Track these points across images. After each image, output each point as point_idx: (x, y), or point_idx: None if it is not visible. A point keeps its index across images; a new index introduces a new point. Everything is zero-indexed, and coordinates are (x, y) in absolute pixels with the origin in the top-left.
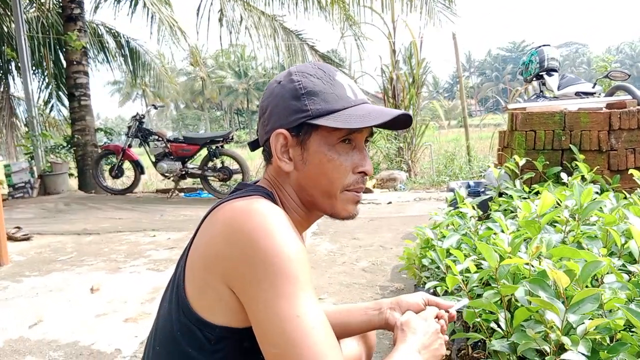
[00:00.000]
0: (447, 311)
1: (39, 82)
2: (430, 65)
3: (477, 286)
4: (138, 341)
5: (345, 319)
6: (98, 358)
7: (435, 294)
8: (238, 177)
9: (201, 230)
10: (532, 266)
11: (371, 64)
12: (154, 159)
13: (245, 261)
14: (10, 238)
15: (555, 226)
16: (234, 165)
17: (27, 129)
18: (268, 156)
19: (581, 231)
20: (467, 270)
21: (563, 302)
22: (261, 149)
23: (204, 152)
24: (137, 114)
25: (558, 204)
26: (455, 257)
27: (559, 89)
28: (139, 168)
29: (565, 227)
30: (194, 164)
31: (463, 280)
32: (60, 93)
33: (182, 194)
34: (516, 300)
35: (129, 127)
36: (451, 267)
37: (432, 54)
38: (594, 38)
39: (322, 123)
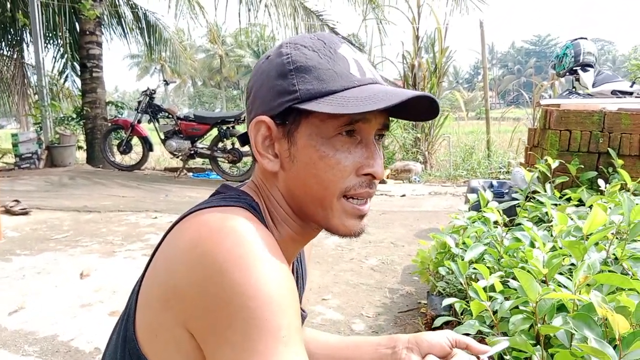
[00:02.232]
0: (477, 357)
1: (54, 51)
2: (454, 55)
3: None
4: None
5: (351, 356)
6: (75, 357)
7: (450, 308)
8: (248, 159)
9: (163, 247)
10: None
11: (392, 49)
12: (163, 137)
13: (210, 300)
14: (8, 211)
15: (597, 243)
16: (245, 148)
17: (37, 98)
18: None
19: (626, 252)
20: (492, 288)
21: (614, 344)
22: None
23: (214, 132)
24: (148, 88)
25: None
26: (477, 270)
27: (594, 85)
28: (147, 144)
29: (609, 246)
30: (203, 144)
31: (489, 298)
32: (75, 63)
33: (191, 173)
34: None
35: (139, 102)
36: (473, 285)
37: (454, 42)
38: (621, 36)
39: (311, 107)
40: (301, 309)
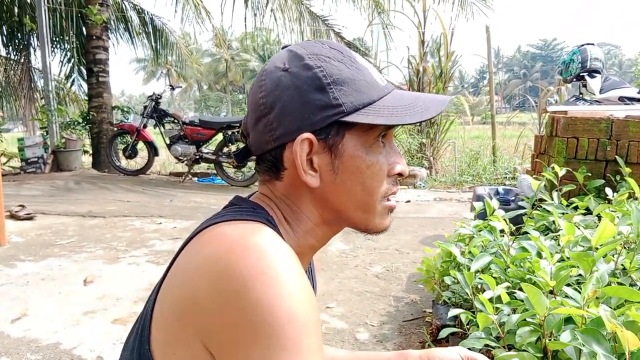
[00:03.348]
0: None
1: (61, 55)
2: (460, 59)
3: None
4: None
5: None
6: None
7: (456, 318)
8: (253, 164)
9: (179, 261)
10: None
11: (398, 54)
12: (168, 142)
13: (232, 315)
14: (13, 216)
15: (605, 255)
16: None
17: (43, 103)
18: (273, 169)
19: (634, 263)
20: (498, 299)
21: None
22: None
23: (220, 137)
24: (154, 93)
25: (599, 217)
26: (483, 279)
27: (601, 92)
28: (152, 149)
29: (617, 257)
30: (208, 149)
31: (495, 309)
32: (82, 68)
33: (196, 178)
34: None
35: (145, 107)
36: (479, 297)
37: (460, 46)
38: (627, 39)
39: (362, 120)
40: None
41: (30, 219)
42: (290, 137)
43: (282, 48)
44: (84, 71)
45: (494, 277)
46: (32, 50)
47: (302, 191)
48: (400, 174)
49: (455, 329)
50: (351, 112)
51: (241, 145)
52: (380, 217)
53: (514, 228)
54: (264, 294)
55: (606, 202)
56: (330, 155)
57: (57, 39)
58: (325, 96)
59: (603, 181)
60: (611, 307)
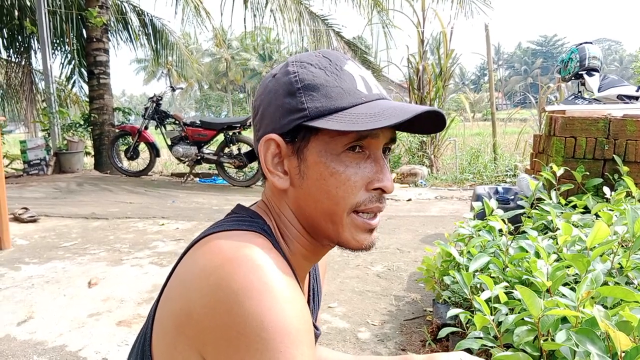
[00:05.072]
0: None
1: (62, 57)
2: (459, 57)
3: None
4: (128, 350)
5: None
6: None
7: (455, 317)
8: (254, 164)
9: (177, 272)
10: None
11: (399, 53)
12: (169, 143)
13: (224, 329)
14: (17, 219)
15: (602, 254)
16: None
17: (45, 105)
18: (262, 170)
19: (630, 263)
20: (496, 298)
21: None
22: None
23: (221, 137)
24: (155, 95)
25: (597, 216)
26: (481, 279)
27: (599, 90)
28: (154, 150)
29: (613, 257)
30: (210, 149)
31: (492, 311)
32: (83, 70)
33: (197, 179)
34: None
35: (146, 109)
36: (477, 299)
37: (460, 44)
38: (628, 35)
39: (320, 125)
40: (314, 326)
41: (34, 221)
42: (263, 138)
43: None
44: (85, 73)
45: (492, 277)
46: (32, 52)
47: (280, 195)
48: (382, 191)
49: (455, 329)
50: (315, 118)
51: (241, 145)
52: (350, 231)
53: (512, 227)
54: (255, 309)
55: (604, 200)
56: (297, 159)
57: (58, 42)
58: (294, 100)
59: (601, 180)
60: (608, 307)
